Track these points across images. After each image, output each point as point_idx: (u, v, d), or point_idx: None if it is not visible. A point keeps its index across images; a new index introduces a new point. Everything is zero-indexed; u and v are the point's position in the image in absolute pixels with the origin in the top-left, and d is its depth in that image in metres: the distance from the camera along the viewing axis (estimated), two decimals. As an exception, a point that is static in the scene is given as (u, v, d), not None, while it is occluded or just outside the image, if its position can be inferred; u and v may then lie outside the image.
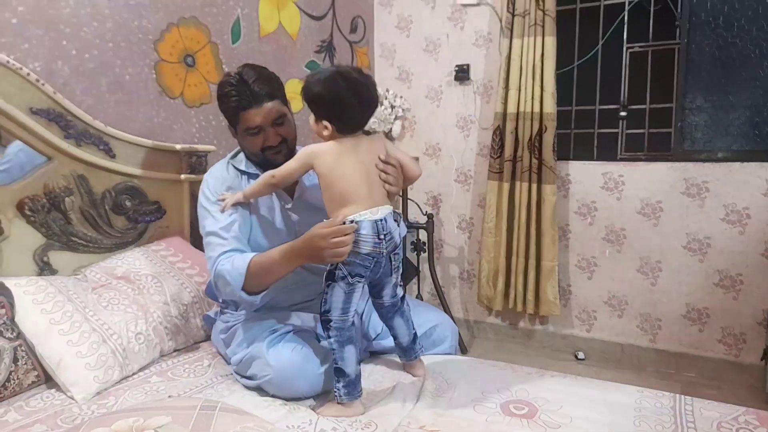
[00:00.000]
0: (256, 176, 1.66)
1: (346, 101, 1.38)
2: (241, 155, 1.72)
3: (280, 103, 1.61)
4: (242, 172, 1.69)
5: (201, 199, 1.66)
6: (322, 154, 1.43)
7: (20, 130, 1.67)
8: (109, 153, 1.91)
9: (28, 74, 1.66)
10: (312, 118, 1.46)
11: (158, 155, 2.08)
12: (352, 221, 1.38)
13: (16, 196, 1.68)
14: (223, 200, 1.61)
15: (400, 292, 1.59)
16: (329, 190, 1.42)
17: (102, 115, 1.94)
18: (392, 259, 1.48)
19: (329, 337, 1.43)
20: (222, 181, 1.66)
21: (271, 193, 1.62)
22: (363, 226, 1.38)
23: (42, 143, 1.72)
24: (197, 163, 2.20)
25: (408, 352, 1.60)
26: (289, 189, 1.68)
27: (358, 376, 1.43)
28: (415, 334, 1.61)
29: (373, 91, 1.44)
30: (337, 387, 1.40)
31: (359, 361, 1.47)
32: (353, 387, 1.41)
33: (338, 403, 1.40)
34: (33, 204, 1.71)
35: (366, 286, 1.51)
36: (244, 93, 1.55)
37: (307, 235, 1.41)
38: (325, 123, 1.41)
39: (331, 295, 1.43)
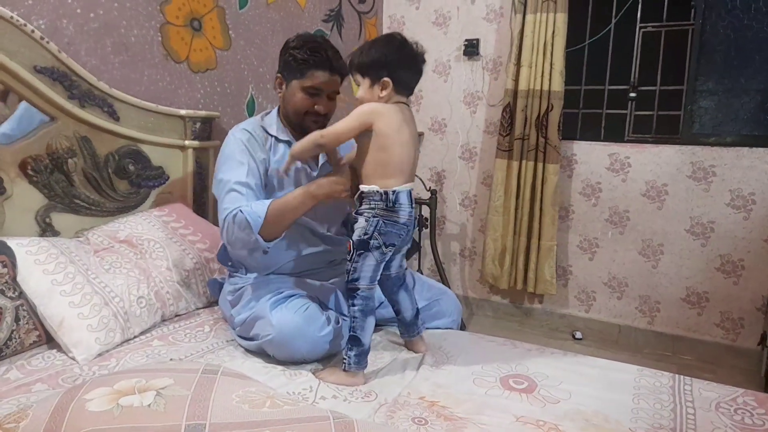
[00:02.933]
0: (286, 142, 1.68)
1: (404, 58, 1.45)
2: (272, 118, 1.72)
3: (340, 84, 1.68)
4: (271, 136, 1.69)
5: (225, 150, 1.66)
6: (384, 114, 1.41)
7: (24, 88, 1.64)
8: (113, 115, 1.88)
9: (33, 31, 1.63)
10: (365, 85, 1.45)
11: (162, 120, 2.06)
12: (394, 191, 1.41)
13: (19, 156, 1.66)
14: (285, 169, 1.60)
15: (405, 263, 1.59)
16: (382, 153, 1.41)
17: (106, 76, 1.91)
18: (414, 225, 1.51)
19: (354, 305, 1.43)
20: (249, 137, 1.66)
21: (318, 153, 1.62)
22: (402, 197, 1.42)
23: (46, 103, 1.70)
24: (201, 130, 2.17)
25: (410, 328, 1.61)
26: (314, 158, 1.71)
27: (370, 347, 1.45)
28: (418, 309, 1.62)
29: (423, 56, 1.49)
30: (348, 355, 1.41)
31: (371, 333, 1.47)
32: (363, 357, 1.42)
33: (344, 370, 1.41)
34: (36, 164, 1.69)
35: None
36: (324, 55, 1.61)
37: (319, 183, 1.50)
38: (385, 80, 1.42)
39: (362, 264, 1.43)
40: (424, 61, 1.49)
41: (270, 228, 1.50)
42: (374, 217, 1.41)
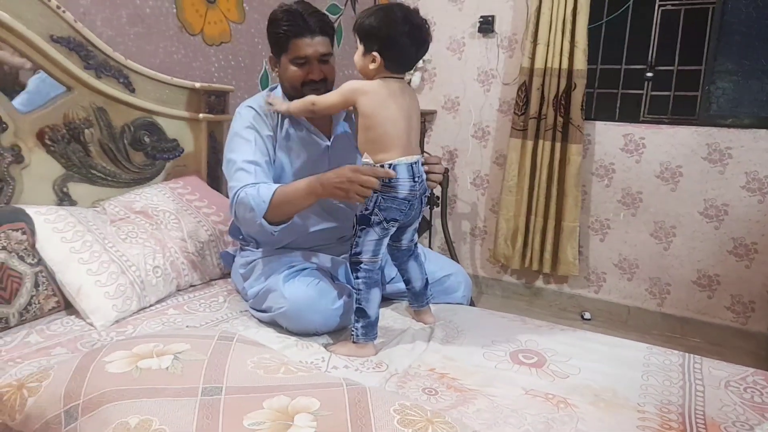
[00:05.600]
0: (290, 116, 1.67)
1: (400, 36, 1.37)
2: (278, 93, 1.71)
3: (330, 42, 1.64)
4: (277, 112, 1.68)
5: (232, 129, 1.67)
6: (368, 93, 1.40)
7: (41, 57, 1.65)
8: (129, 87, 1.89)
9: (49, 0, 1.63)
10: (359, 51, 1.43)
11: (177, 92, 2.06)
12: (390, 164, 1.39)
13: (36, 125, 1.67)
14: (271, 104, 1.63)
15: (416, 237, 1.60)
16: (370, 131, 1.40)
17: (122, 47, 1.91)
18: (422, 201, 1.50)
19: (357, 278, 1.44)
20: (254, 115, 1.65)
21: (309, 116, 1.61)
22: (400, 171, 1.39)
23: (62, 72, 1.71)
24: (216, 103, 2.18)
25: (419, 298, 1.62)
26: (326, 129, 1.70)
27: (377, 318, 1.46)
28: (427, 279, 1.63)
29: (427, 33, 1.43)
30: (356, 327, 1.43)
31: (379, 305, 1.48)
32: (371, 329, 1.43)
33: (354, 342, 1.43)
34: (53, 134, 1.70)
35: None
36: (299, 22, 1.58)
37: (341, 168, 1.40)
38: (374, 54, 1.39)
39: (365, 239, 1.44)
40: (425, 41, 1.43)
41: (275, 213, 1.49)
42: (374, 192, 1.39)
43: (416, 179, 1.43)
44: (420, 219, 1.56)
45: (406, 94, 1.45)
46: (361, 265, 1.44)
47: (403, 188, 1.40)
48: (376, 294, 1.45)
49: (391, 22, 1.37)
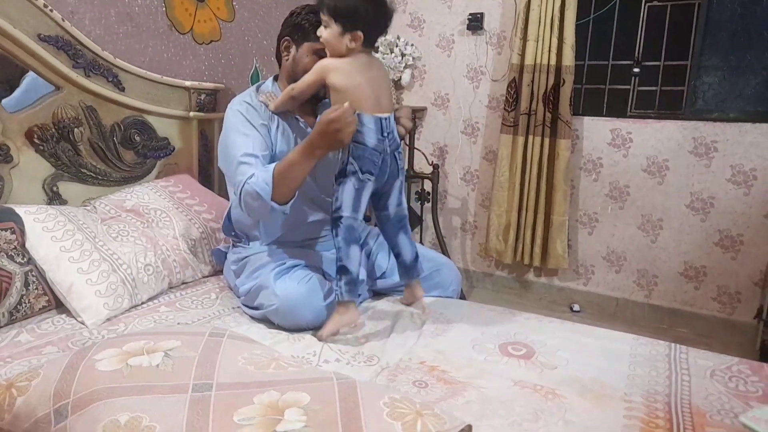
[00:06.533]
0: (282, 112, 1.68)
1: (379, 14, 1.46)
2: (267, 89, 1.71)
3: None
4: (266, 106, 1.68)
5: (228, 124, 1.66)
6: (337, 69, 1.45)
7: (29, 57, 1.65)
8: (118, 86, 1.89)
9: (36, -1, 1.63)
10: (334, 31, 1.44)
11: (168, 91, 2.06)
12: (356, 112, 1.42)
13: (25, 125, 1.67)
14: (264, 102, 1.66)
15: (404, 201, 1.63)
16: (338, 103, 1.44)
17: (111, 46, 1.91)
18: (396, 157, 1.53)
19: (337, 235, 1.47)
20: (247, 108, 1.65)
21: (293, 106, 1.65)
22: (366, 120, 1.44)
23: (50, 72, 1.71)
24: (206, 101, 2.18)
25: (410, 271, 1.65)
26: (312, 119, 1.71)
27: (359, 277, 1.49)
28: (417, 253, 1.66)
29: (392, 9, 1.51)
30: (339, 285, 1.46)
31: (361, 264, 1.51)
32: (354, 286, 1.46)
33: (338, 301, 1.46)
34: (42, 133, 1.70)
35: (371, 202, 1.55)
36: None
37: (319, 126, 1.43)
38: (359, 34, 1.43)
39: (343, 191, 1.46)
40: (391, 17, 1.51)
41: (280, 191, 1.49)
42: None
43: (384, 134, 1.46)
44: (402, 177, 1.59)
45: (374, 65, 1.51)
46: (341, 220, 1.46)
47: (371, 138, 1.44)
48: (355, 251, 1.47)
49: (375, 2, 1.44)
